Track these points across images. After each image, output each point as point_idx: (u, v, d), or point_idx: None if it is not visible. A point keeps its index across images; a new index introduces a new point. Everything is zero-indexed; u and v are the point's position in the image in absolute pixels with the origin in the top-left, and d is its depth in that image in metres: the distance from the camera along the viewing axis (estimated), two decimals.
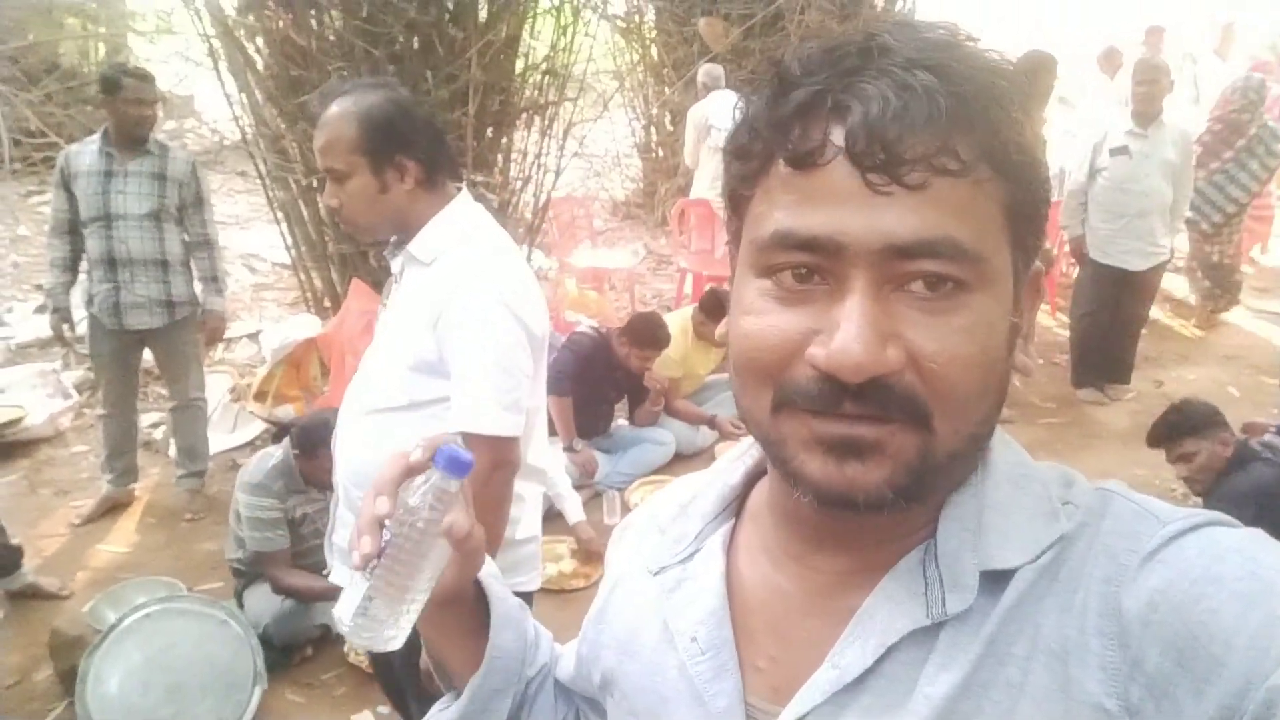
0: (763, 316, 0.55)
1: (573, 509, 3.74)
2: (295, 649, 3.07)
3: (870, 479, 0.53)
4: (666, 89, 7.90)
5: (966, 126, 0.51)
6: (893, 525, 0.59)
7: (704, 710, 0.63)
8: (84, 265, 3.73)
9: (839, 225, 0.51)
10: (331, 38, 4.40)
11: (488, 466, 1.73)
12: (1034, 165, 0.55)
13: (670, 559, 0.70)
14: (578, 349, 4.16)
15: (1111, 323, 4.86)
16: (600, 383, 4.31)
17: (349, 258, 4.67)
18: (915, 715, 0.54)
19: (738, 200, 0.59)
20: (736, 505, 0.71)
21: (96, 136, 3.64)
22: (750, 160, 0.56)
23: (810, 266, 0.53)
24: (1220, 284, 6.09)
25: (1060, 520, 0.57)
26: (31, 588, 3.37)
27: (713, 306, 4.54)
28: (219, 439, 4.46)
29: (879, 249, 0.51)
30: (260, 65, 4.57)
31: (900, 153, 0.50)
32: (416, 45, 4.33)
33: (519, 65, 4.88)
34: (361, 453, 1.79)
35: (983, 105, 0.52)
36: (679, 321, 4.66)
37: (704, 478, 0.75)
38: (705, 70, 5.90)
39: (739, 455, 0.72)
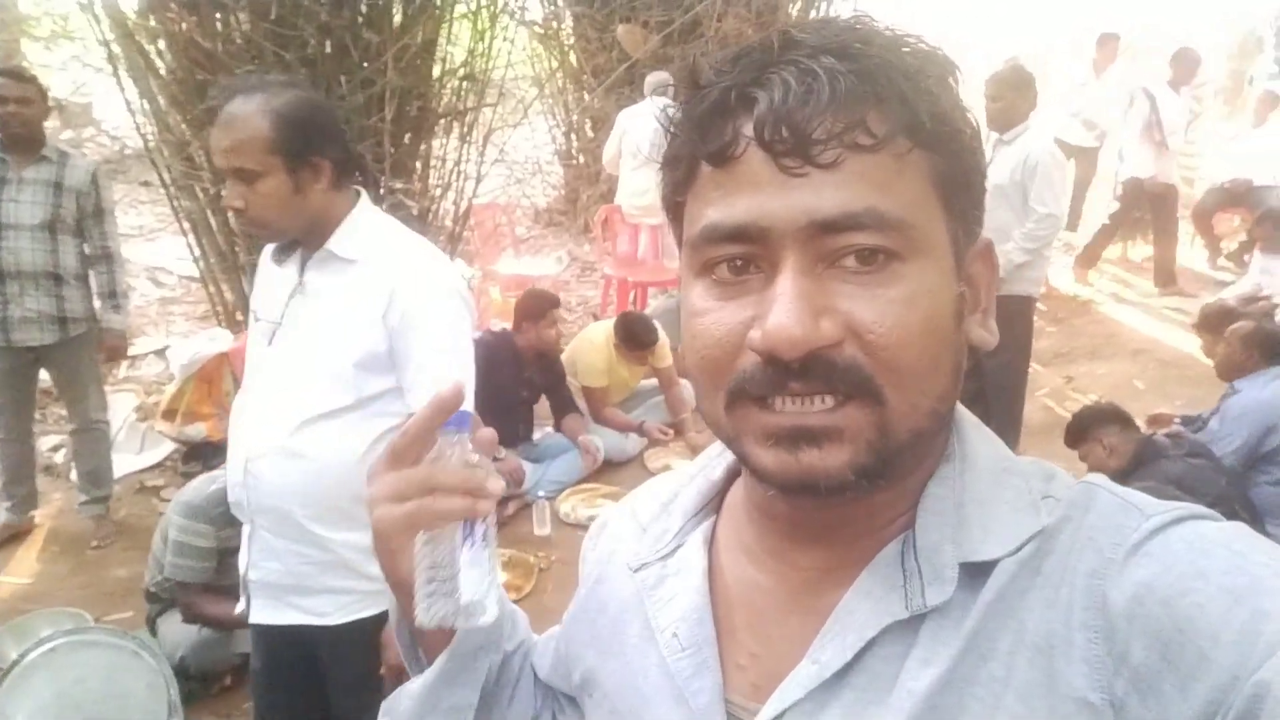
0: (707, 315, 0.56)
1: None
2: (214, 678, 2.94)
3: (829, 464, 0.52)
4: (586, 95, 7.88)
5: (874, 101, 0.51)
6: (869, 517, 0.59)
7: (685, 708, 0.63)
8: None
9: (760, 210, 0.52)
10: (239, 40, 4.24)
11: None
12: (957, 134, 0.55)
13: (651, 556, 0.69)
14: (478, 351, 4.06)
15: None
16: (509, 384, 4.20)
17: None
18: (898, 710, 0.54)
19: (675, 209, 0.60)
20: (717, 501, 0.71)
21: None
22: (679, 166, 0.58)
23: (743, 257, 0.54)
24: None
25: (1040, 513, 0.57)
26: None
27: (625, 334, 4.48)
28: (125, 460, 4.26)
29: (803, 226, 0.52)
30: (163, 69, 4.38)
31: (808, 133, 0.51)
32: (329, 49, 4.20)
33: (436, 70, 4.79)
34: (300, 465, 1.72)
35: (889, 79, 0.52)
36: (604, 332, 4.63)
37: (686, 474, 0.74)
38: (656, 76, 5.72)
39: (721, 450, 0.71)
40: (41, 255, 3.47)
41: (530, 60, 7.93)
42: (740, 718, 0.61)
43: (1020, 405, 4.36)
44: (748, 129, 0.52)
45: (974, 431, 0.62)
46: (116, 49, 4.38)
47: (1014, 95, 4.08)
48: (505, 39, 5.21)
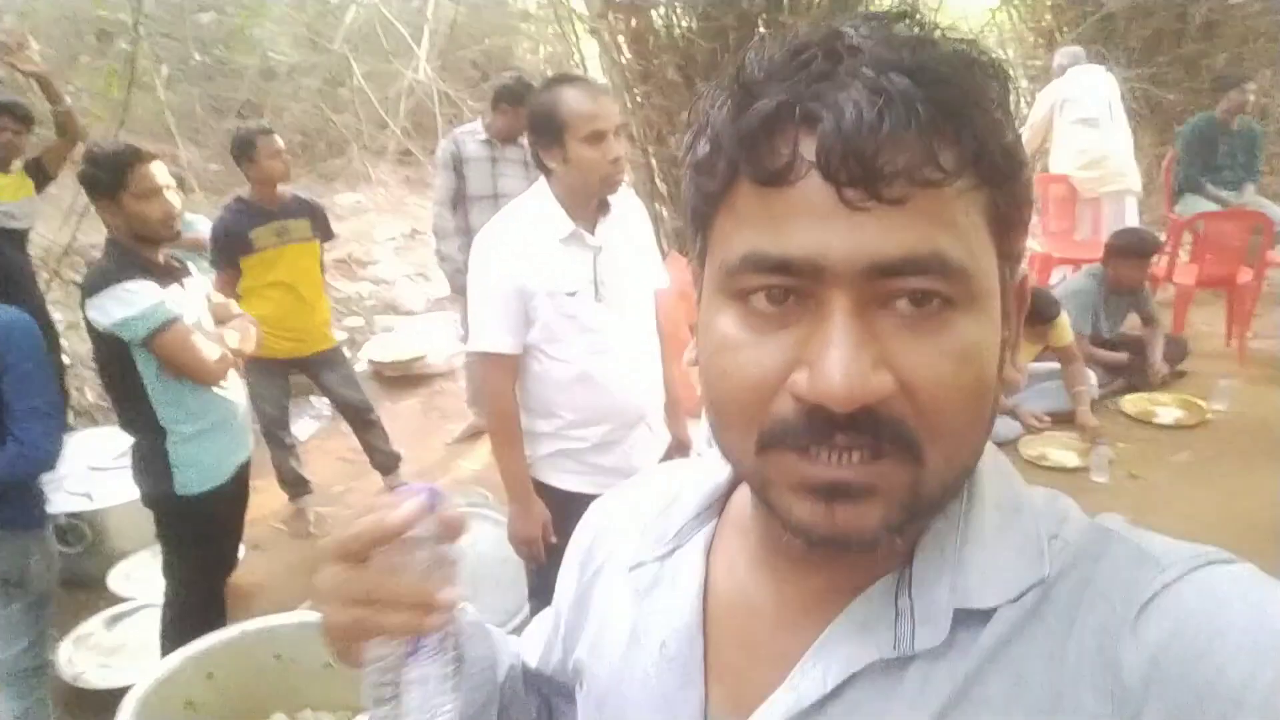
0: (739, 351, 0.51)
1: None
2: None
3: (864, 522, 0.49)
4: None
5: (948, 134, 0.47)
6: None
7: (665, 718, 0.62)
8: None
9: (816, 246, 0.47)
10: (677, 33, 4.86)
11: None
12: (1018, 168, 0.51)
13: (648, 556, 0.68)
14: None
15: None
16: None
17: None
18: None
19: (701, 217, 0.55)
20: (720, 505, 0.68)
21: (478, 127, 4.44)
22: (713, 176, 0.52)
23: (786, 288, 0.49)
24: None
25: (1044, 560, 0.53)
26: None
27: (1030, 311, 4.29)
28: None
29: (861, 269, 0.47)
30: (622, 58, 5.19)
31: (878, 166, 0.45)
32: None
33: None
34: (658, 370, 2.39)
35: (964, 110, 0.47)
36: None
37: (691, 471, 0.72)
38: (1063, 52, 5.74)
39: None
40: None
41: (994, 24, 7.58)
42: None
43: None
44: (809, 151, 0.47)
45: (987, 465, 0.57)
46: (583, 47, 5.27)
47: None
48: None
